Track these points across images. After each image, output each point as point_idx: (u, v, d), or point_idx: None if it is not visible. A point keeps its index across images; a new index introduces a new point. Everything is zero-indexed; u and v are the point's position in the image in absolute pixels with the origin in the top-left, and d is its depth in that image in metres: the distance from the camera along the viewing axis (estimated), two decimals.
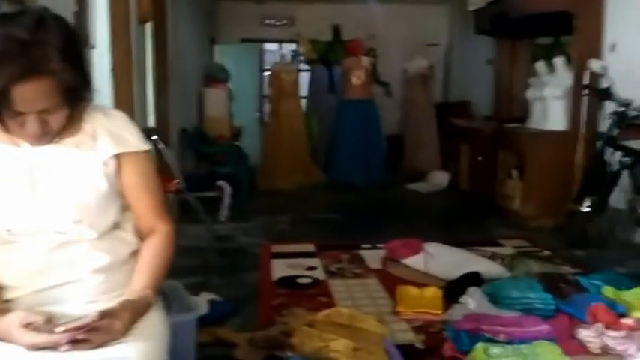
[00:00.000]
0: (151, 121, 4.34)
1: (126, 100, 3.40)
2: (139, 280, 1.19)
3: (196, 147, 5.22)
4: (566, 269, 3.13)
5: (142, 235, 1.27)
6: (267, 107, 7.14)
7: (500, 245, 3.75)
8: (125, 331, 1.07)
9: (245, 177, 5.19)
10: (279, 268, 3.20)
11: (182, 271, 3.18)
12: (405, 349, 2.08)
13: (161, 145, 3.41)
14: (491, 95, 5.99)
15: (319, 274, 3.12)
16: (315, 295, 2.74)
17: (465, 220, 4.69)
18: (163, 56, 4.52)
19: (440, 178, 6.28)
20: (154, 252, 1.24)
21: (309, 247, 3.69)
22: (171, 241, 1.28)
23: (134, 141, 1.22)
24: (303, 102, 7.25)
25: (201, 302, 2.50)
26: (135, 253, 1.25)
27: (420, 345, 2.14)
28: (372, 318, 1.92)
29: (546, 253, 3.55)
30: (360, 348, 1.67)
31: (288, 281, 2.98)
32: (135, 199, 1.24)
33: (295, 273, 3.12)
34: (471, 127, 5.58)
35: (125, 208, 1.26)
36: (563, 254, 3.52)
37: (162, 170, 4.10)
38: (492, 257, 3.32)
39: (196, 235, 3.91)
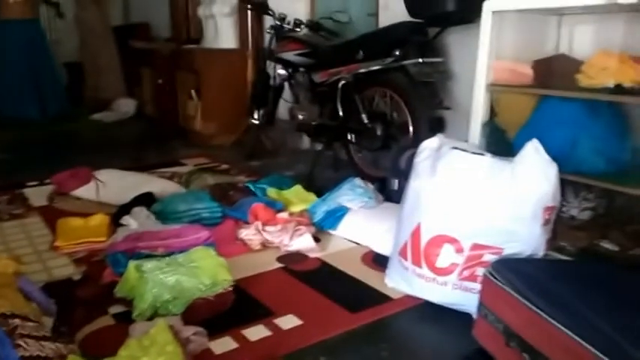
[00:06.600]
0: None
1: None
2: None
3: None
4: (241, 179, 3.27)
5: None
6: None
7: (183, 165, 3.74)
8: None
9: None
10: None
11: None
12: (59, 284, 1.88)
13: None
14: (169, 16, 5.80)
15: None
16: None
17: (151, 145, 4.54)
18: None
19: (126, 106, 5.94)
20: None
21: None
22: None
23: None
24: None
25: None
26: None
27: (78, 277, 1.96)
28: (2, 258, 1.65)
29: (224, 167, 3.67)
30: None
31: None
32: None
33: None
34: (150, 49, 5.34)
35: None
36: (240, 166, 3.69)
37: None
38: (172, 177, 3.28)
39: None
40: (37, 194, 3.06)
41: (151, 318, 1.64)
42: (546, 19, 2.42)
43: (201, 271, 1.79)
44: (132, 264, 1.76)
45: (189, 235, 2.03)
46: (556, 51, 2.41)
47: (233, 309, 1.75)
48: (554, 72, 2.22)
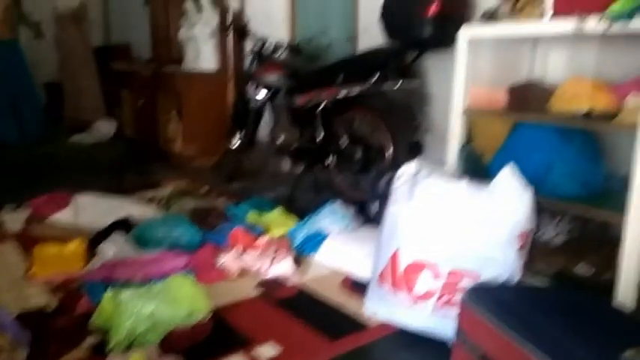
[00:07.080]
0: None
1: None
2: None
3: None
4: (221, 202, 3.26)
5: None
6: None
7: (163, 187, 3.71)
8: None
9: None
10: None
11: None
12: (34, 315, 1.84)
13: None
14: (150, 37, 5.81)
15: None
16: None
17: (131, 167, 4.50)
18: None
19: (106, 127, 5.90)
20: None
21: None
22: None
23: None
24: None
25: None
26: None
27: (52, 307, 1.92)
28: None
29: (204, 189, 3.65)
30: None
31: None
32: None
33: None
34: (130, 71, 5.33)
35: None
36: (220, 189, 3.68)
37: None
38: (151, 200, 3.25)
39: None
40: (14, 219, 3.00)
41: (127, 348, 1.62)
42: (521, 46, 2.48)
43: (178, 300, 1.77)
44: (108, 294, 1.73)
45: (168, 261, 2.01)
46: (531, 77, 2.46)
47: (211, 338, 1.73)
48: (528, 97, 2.26)
